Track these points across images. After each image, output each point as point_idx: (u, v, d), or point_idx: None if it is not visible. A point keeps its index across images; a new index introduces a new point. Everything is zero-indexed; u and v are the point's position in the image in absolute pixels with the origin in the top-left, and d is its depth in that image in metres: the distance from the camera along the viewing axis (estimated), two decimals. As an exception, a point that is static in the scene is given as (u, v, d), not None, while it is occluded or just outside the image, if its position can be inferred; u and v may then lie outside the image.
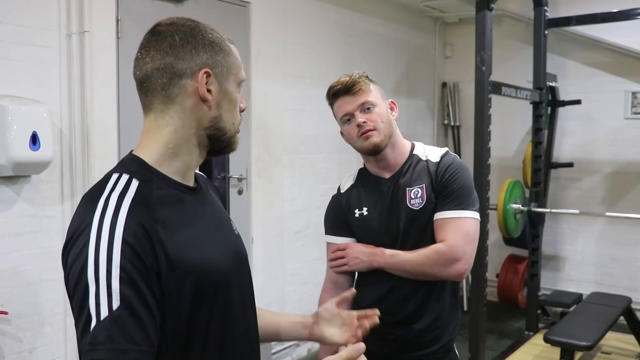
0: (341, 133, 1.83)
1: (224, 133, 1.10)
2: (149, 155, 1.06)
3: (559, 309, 4.43)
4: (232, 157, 3.69)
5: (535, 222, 4.43)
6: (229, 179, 3.69)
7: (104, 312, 0.89)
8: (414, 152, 1.81)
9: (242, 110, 1.14)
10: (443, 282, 1.77)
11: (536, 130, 4.47)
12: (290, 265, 4.10)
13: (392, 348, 1.77)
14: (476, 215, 1.73)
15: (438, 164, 1.75)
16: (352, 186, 1.86)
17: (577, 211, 4.61)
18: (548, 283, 5.10)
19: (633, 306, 4.03)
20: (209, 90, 1.05)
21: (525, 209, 4.33)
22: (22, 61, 2.62)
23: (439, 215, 1.71)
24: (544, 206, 4.57)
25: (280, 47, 3.93)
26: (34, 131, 2.52)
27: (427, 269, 1.68)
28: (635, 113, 4.83)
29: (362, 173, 1.86)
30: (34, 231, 2.67)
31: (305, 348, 4.23)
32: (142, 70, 1.06)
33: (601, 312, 3.73)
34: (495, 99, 3.63)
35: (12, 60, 2.59)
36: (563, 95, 4.95)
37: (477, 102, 3.55)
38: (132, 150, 1.09)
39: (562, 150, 5.15)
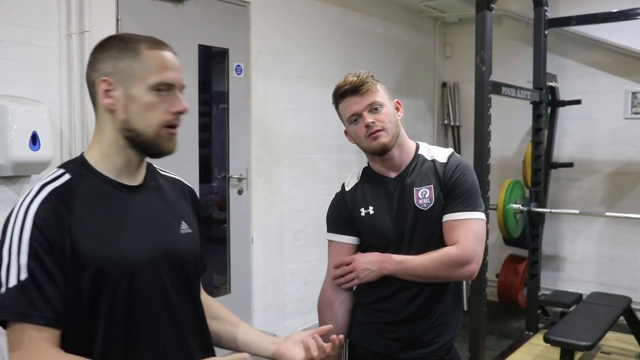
0: (345, 133, 1.82)
1: (139, 135, 1.19)
2: (91, 155, 1.22)
3: (559, 309, 4.43)
4: (232, 157, 3.69)
5: (535, 222, 4.43)
6: (229, 179, 3.69)
7: (13, 282, 1.06)
8: (419, 152, 1.81)
9: (177, 112, 1.21)
10: (447, 282, 1.77)
11: (536, 130, 4.47)
12: (290, 265, 4.10)
13: (395, 346, 1.77)
14: (484, 216, 1.75)
15: (445, 164, 1.76)
16: (356, 185, 1.84)
17: (577, 211, 4.60)
18: (548, 283, 5.10)
19: (633, 306, 4.02)
20: (110, 97, 1.18)
21: (525, 209, 4.33)
22: (22, 61, 2.62)
23: (449, 217, 1.71)
24: (544, 206, 4.57)
25: (280, 47, 3.93)
26: (34, 131, 2.52)
27: (439, 272, 1.69)
28: (635, 113, 4.83)
29: (367, 172, 1.85)
30: (34, 231, 2.67)
31: (305, 348, 4.23)
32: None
33: (601, 312, 3.72)
34: (495, 98, 3.63)
35: (12, 60, 2.59)
36: (563, 95, 4.95)
37: (477, 102, 3.55)
38: (83, 152, 1.26)
39: (562, 150, 5.15)
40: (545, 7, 4.42)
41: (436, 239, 1.73)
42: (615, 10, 4.21)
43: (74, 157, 2.76)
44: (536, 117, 4.44)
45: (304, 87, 4.12)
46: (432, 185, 1.74)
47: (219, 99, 3.83)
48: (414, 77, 5.38)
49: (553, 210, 4.57)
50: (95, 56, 1.21)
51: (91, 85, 1.20)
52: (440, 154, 1.80)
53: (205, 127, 3.86)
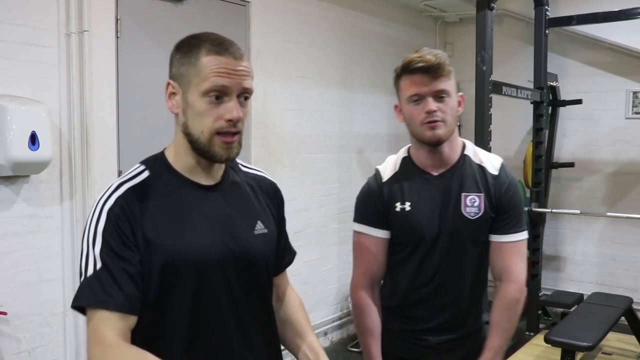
0: (395, 107, 1.68)
1: (194, 139, 1.20)
2: (169, 153, 1.27)
3: (560, 310, 4.42)
4: (232, 157, 3.68)
5: (536, 222, 4.43)
6: (229, 179, 3.67)
7: (90, 271, 1.14)
8: (465, 152, 1.71)
9: (228, 120, 1.18)
10: (482, 293, 1.74)
11: (537, 130, 4.46)
12: (290, 266, 4.08)
13: (422, 353, 1.72)
14: (527, 232, 1.70)
15: (497, 177, 1.66)
16: (394, 176, 1.71)
17: (578, 211, 4.59)
18: (549, 283, 5.09)
19: (634, 306, 4.02)
20: (173, 100, 1.22)
21: (526, 209, 4.32)
22: (21, 61, 2.62)
23: (499, 238, 1.65)
24: (544, 206, 4.56)
25: (280, 47, 3.92)
26: (33, 131, 2.51)
27: (516, 323, 1.66)
28: (636, 113, 4.82)
29: (407, 163, 1.72)
30: (33, 231, 2.66)
31: (306, 348, 4.22)
32: None
33: (602, 312, 3.71)
34: (495, 98, 3.63)
35: (12, 59, 2.58)
36: (564, 95, 4.94)
37: (477, 102, 3.55)
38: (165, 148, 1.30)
39: (563, 150, 5.14)
40: (546, 7, 4.41)
41: (471, 251, 1.66)
42: (616, 10, 4.20)
43: (72, 156, 2.80)
44: (537, 116, 4.43)
45: (304, 87, 4.11)
46: (482, 195, 1.64)
47: (218, 99, 3.82)
48: (414, 76, 5.36)
49: (554, 211, 4.56)
50: (170, 56, 1.24)
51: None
52: (490, 162, 1.69)
53: (205, 127, 3.85)
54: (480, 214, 1.63)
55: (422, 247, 1.66)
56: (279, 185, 1.46)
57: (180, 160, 1.24)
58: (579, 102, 4.81)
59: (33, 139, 2.51)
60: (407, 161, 1.72)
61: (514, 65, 5.04)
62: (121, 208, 1.16)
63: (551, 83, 4.67)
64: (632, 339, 3.95)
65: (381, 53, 4.87)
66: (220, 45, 1.19)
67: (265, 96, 3.83)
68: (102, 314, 1.11)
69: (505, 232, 1.64)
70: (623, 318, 3.85)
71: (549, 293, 4.77)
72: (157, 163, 1.25)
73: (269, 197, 1.38)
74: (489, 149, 3.55)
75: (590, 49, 4.97)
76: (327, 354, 1.36)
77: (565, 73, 5.01)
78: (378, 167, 1.77)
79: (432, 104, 1.57)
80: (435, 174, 1.68)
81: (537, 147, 4.45)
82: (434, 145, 1.63)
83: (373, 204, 1.71)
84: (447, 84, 1.60)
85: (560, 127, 5.06)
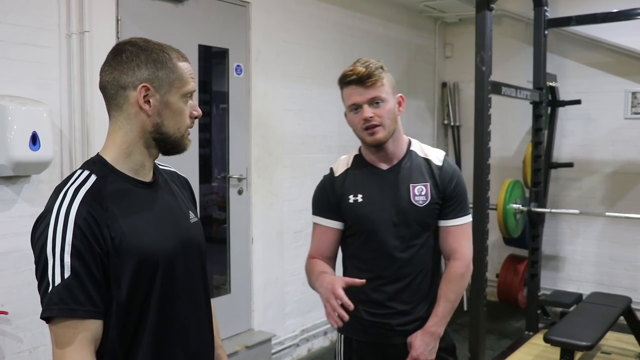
0: (345, 115, 1.85)
1: (169, 137, 1.30)
2: (109, 155, 1.29)
3: (559, 309, 4.43)
4: (232, 157, 3.69)
5: (535, 222, 4.43)
6: (229, 179, 3.69)
7: (58, 280, 1.14)
8: (411, 148, 1.87)
9: (195, 117, 1.34)
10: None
11: (536, 130, 4.47)
12: (290, 265, 4.10)
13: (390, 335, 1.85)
14: (471, 216, 1.89)
15: (441, 168, 1.83)
16: (346, 171, 1.88)
17: (577, 211, 4.60)
18: (548, 283, 5.10)
19: (633, 306, 4.02)
20: (148, 102, 1.26)
21: (525, 209, 4.33)
22: (22, 61, 2.62)
23: (446, 223, 1.83)
24: (544, 206, 4.57)
25: (280, 47, 3.93)
26: (34, 131, 2.52)
27: (460, 294, 1.85)
28: (635, 113, 4.83)
29: (358, 160, 1.88)
30: (34, 231, 2.67)
31: (305, 348, 4.23)
32: (100, 82, 1.30)
33: (601, 312, 3.72)
34: (495, 98, 3.63)
35: (12, 60, 2.59)
36: (563, 95, 4.95)
37: (477, 102, 3.55)
38: (99, 151, 1.32)
39: (562, 150, 5.15)
40: (545, 7, 4.42)
41: (423, 236, 1.82)
42: (615, 10, 4.21)
43: (73, 156, 2.81)
44: (536, 117, 4.44)
45: (304, 87, 4.12)
46: (428, 184, 1.81)
47: (219, 99, 3.83)
48: (414, 77, 5.38)
49: (553, 210, 4.57)
50: (123, 62, 1.26)
51: (120, 89, 1.26)
52: (434, 154, 1.86)
53: (205, 127, 3.86)
54: (427, 202, 1.80)
55: (374, 234, 1.81)
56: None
57: (129, 160, 1.28)
58: (578, 102, 4.82)
59: (34, 139, 2.52)
60: (358, 158, 1.89)
61: (513, 66, 5.05)
62: (88, 214, 1.18)
63: (550, 83, 4.67)
64: (631, 338, 3.96)
65: (381, 53, 4.87)
66: (179, 51, 1.32)
67: (265, 96, 3.84)
68: (71, 323, 1.14)
69: (453, 217, 1.82)
70: (622, 317, 3.86)
71: (548, 293, 4.78)
72: (98, 166, 1.27)
73: (187, 190, 1.50)
74: (488, 149, 3.56)
75: (589, 49, 4.98)
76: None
77: (565, 73, 5.02)
78: (332, 165, 1.93)
79: (367, 111, 1.73)
80: (384, 168, 1.84)
81: (537, 147, 4.46)
82: (376, 147, 1.79)
83: (326, 196, 1.89)
84: (380, 91, 1.73)
85: (559, 127, 5.07)
